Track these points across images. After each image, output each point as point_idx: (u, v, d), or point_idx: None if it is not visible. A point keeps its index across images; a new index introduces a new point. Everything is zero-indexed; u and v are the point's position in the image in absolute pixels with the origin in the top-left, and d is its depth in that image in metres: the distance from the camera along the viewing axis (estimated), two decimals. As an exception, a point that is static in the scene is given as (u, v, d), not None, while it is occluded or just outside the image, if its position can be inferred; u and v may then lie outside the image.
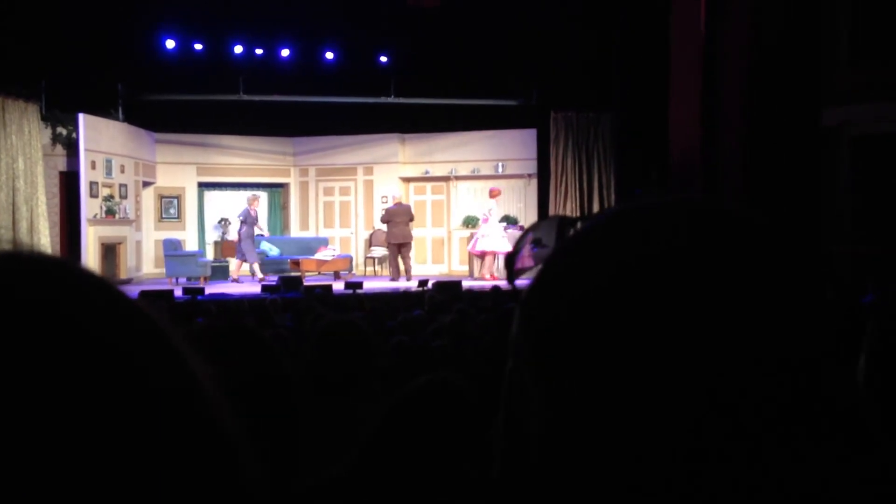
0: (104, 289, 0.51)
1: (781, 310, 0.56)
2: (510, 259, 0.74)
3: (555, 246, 0.68)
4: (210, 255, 17.85)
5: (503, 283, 11.66)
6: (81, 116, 14.79)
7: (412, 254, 16.35)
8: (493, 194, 16.14)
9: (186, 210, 18.14)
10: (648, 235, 0.60)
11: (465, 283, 13.33)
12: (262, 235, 16.67)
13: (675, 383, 0.55)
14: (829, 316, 0.58)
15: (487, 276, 15.51)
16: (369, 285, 13.86)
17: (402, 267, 16.00)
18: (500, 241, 15.60)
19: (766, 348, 0.55)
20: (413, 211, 16.44)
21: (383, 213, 16.69)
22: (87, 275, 0.51)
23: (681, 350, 0.55)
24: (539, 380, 0.61)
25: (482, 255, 15.90)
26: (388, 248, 16.46)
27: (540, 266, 0.65)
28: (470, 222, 17.25)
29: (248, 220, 15.76)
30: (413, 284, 13.27)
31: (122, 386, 0.46)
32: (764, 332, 0.56)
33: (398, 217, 15.96)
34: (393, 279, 15.83)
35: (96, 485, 0.44)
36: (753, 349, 0.55)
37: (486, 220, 15.89)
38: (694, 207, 0.61)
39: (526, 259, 0.74)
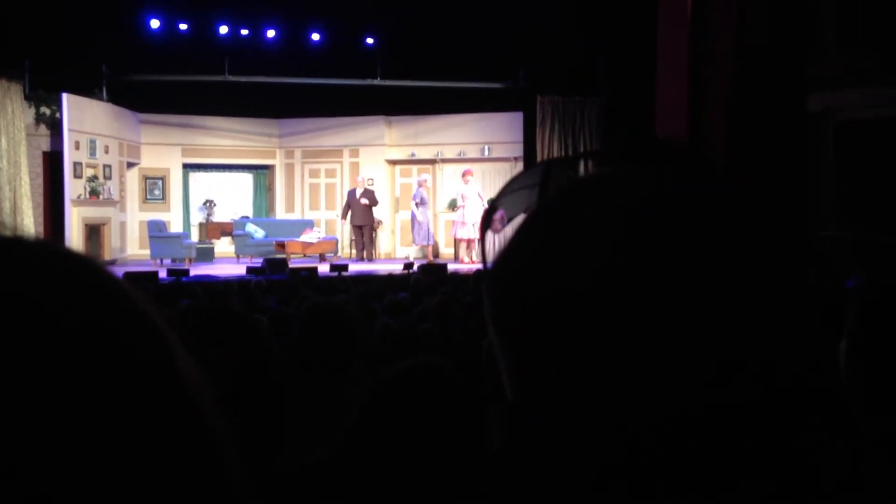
0: (88, 273, 0.50)
1: (762, 290, 0.56)
2: (483, 231, 0.72)
3: (525, 214, 0.65)
4: (195, 236, 17.79)
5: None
6: (65, 96, 14.66)
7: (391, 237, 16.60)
8: (464, 175, 16.41)
9: (171, 191, 18.05)
10: (618, 205, 0.58)
11: (451, 266, 13.34)
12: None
13: (646, 357, 0.54)
14: (812, 300, 0.57)
15: (466, 260, 15.69)
16: (355, 268, 13.85)
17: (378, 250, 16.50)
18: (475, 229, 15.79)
19: (744, 327, 0.54)
20: (378, 194, 16.94)
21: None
22: (72, 259, 0.50)
23: (651, 327, 0.54)
24: (508, 354, 0.61)
25: (467, 241, 16.06)
26: (352, 229, 16.86)
27: (506, 241, 0.63)
28: (454, 205, 17.27)
29: (424, 201, 16.13)
30: (397, 267, 13.28)
31: (102, 373, 0.46)
32: (742, 312, 0.54)
33: (353, 200, 16.56)
34: (359, 259, 16.32)
35: (72, 472, 0.44)
36: (729, 331, 0.54)
37: (463, 202, 16.07)
38: (673, 177, 0.60)
39: (497, 226, 0.72)
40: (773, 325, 0.55)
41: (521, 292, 0.59)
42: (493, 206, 0.72)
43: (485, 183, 17.55)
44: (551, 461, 0.57)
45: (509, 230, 0.65)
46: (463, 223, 15.95)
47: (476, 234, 15.82)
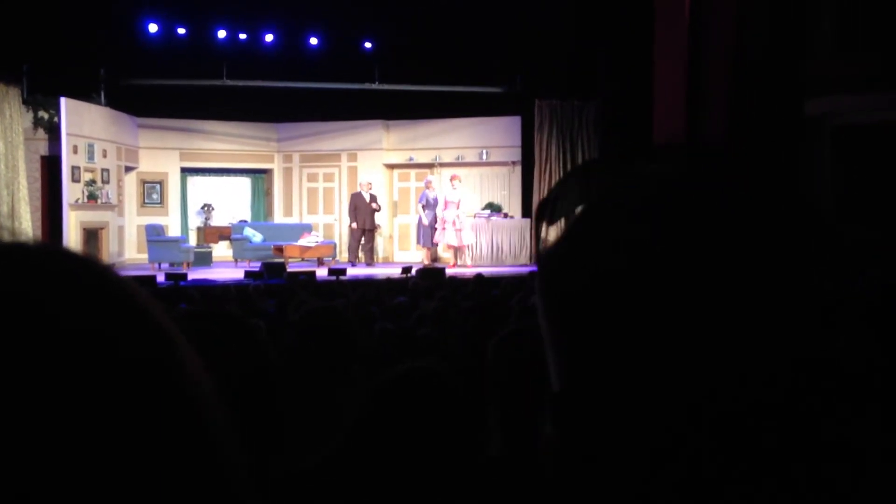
0: (90, 274, 0.50)
1: (799, 287, 0.58)
2: (538, 224, 0.75)
3: (582, 207, 0.68)
4: (193, 240, 17.80)
5: (483, 271, 11.68)
6: (63, 100, 14.67)
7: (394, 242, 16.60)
8: (451, 179, 16.26)
9: (169, 195, 18.06)
10: (668, 205, 0.61)
11: (449, 271, 13.35)
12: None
13: (686, 351, 0.57)
14: (840, 298, 0.60)
15: (450, 263, 15.56)
16: (353, 272, 13.85)
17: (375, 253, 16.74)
18: (452, 233, 15.60)
19: (783, 324, 0.57)
20: (389, 198, 16.94)
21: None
22: (73, 260, 0.51)
23: (692, 321, 0.57)
24: (557, 342, 0.63)
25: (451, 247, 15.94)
26: (351, 232, 16.83)
27: (563, 230, 0.66)
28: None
29: (429, 203, 16.06)
30: (395, 271, 13.28)
31: (102, 374, 0.46)
32: (781, 309, 0.58)
33: (363, 204, 16.62)
34: (354, 261, 16.41)
35: (72, 471, 0.44)
36: (769, 325, 0.57)
37: (446, 208, 15.86)
38: (718, 183, 0.63)
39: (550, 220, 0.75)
40: (811, 322, 0.58)
41: (570, 281, 0.62)
42: (546, 200, 0.75)
43: (483, 187, 17.56)
44: (600, 448, 0.59)
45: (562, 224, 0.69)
46: (444, 228, 15.77)
47: (457, 241, 15.73)
